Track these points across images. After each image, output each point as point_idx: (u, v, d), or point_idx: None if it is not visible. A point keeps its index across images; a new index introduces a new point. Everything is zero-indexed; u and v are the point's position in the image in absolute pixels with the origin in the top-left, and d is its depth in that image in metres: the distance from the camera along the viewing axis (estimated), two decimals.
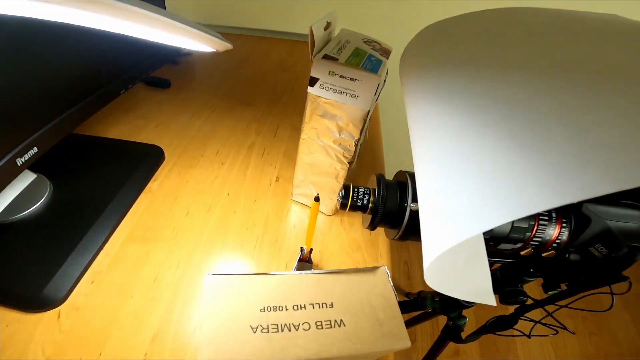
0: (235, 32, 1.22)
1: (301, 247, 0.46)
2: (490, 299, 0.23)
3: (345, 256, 0.53)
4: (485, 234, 0.35)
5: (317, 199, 0.38)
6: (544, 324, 0.54)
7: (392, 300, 0.27)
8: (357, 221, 0.59)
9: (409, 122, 0.29)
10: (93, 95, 0.56)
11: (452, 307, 0.73)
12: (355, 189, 0.37)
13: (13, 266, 0.45)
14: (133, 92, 0.82)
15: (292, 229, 0.56)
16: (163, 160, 0.65)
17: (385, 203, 0.35)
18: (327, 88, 0.44)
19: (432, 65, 0.30)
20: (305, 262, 0.48)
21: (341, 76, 0.42)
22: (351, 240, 0.56)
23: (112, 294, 0.45)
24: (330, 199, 0.56)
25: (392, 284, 0.27)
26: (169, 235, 0.52)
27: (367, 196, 0.37)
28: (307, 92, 0.46)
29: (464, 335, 0.75)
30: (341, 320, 0.25)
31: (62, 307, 0.43)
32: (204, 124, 0.76)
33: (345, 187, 0.37)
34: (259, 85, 0.93)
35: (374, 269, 0.28)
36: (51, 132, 0.49)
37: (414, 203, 0.34)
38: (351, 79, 0.42)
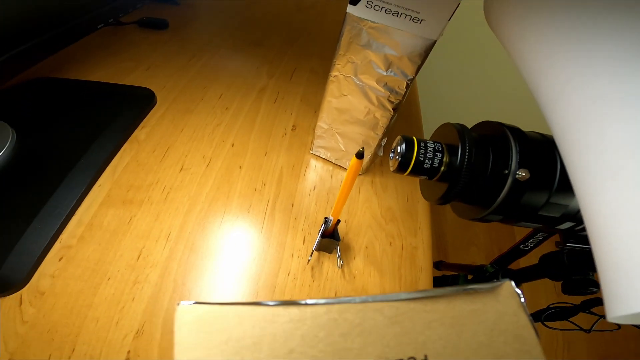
0: None
1: (325, 218, 0.36)
2: None
3: (377, 228, 0.43)
4: (564, 216, 0.25)
5: (360, 154, 0.26)
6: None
7: (532, 341, 0.15)
8: (391, 183, 0.48)
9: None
10: (59, 28, 0.43)
11: None
12: (422, 143, 0.25)
13: None
14: (124, 34, 0.69)
15: (312, 190, 0.45)
16: (154, 105, 0.53)
17: (473, 166, 0.24)
18: (376, 7, 0.31)
19: None
20: (330, 237, 0.37)
21: None
22: (384, 208, 0.45)
23: (85, 275, 0.35)
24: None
25: (527, 312, 0.16)
26: (158, 197, 0.41)
27: (439, 154, 0.25)
28: (345, 14, 0.33)
29: None
30: None
31: (23, 292, 0.33)
32: (206, 65, 0.63)
33: (407, 140, 0.25)
34: (271, 26, 0.79)
35: (492, 288, 0.16)
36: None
37: (522, 170, 0.22)
38: None
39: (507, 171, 0.23)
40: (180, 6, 0.83)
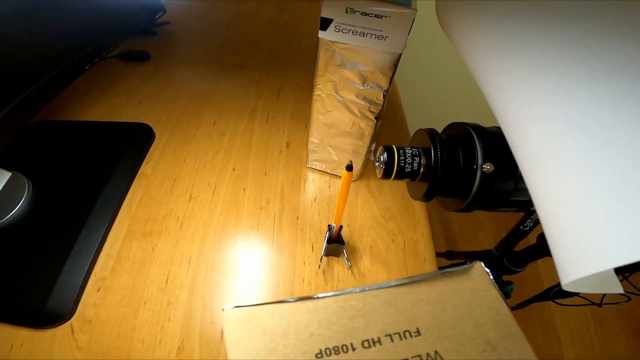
0: None
1: (329, 225, 0.39)
2: (618, 287, 0.21)
3: (378, 228, 0.46)
4: None
5: (349, 167, 0.30)
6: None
7: (504, 311, 0.19)
8: (386, 186, 0.51)
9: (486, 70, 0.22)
10: (52, 72, 0.47)
11: (496, 273, 0.66)
12: (401, 150, 0.29)
13: (6, 279, 0.40)
14: (108, 69, 0.72)
15: (313, 202, 0.49)
16: (153, 139, 0.57)
17: (446, 165, 0.27)
18: (344, 30, 0.35)
19: None
20: (335, 242, 0.41)
21: (363, 13, 0.33)
22: (383, 209, 0.49)
23: (123, 302, 0.39)
24: (355, 163, 0.48)
25: (497, 287, 0.20)
26: (174, 226, 0.45)
27: (416, 158, 0.29)
28: (318, 38, 0.37)
29: (511, 302, 0.68)
30: (436, 352, 0.17)
31: (73, 321, 0.37)
32: (195, 94, 0.67)
33: (387, 149, 0.29)
34: (251, 47, 0.82)
35: (465, 270, 0.20)
36: (5, 122, 0.40)
37: (487, 164, 0.26)
38: (377, 16, 0.33)
39: (475, 166, 0.26)
40: (158, 36, 0.84)
